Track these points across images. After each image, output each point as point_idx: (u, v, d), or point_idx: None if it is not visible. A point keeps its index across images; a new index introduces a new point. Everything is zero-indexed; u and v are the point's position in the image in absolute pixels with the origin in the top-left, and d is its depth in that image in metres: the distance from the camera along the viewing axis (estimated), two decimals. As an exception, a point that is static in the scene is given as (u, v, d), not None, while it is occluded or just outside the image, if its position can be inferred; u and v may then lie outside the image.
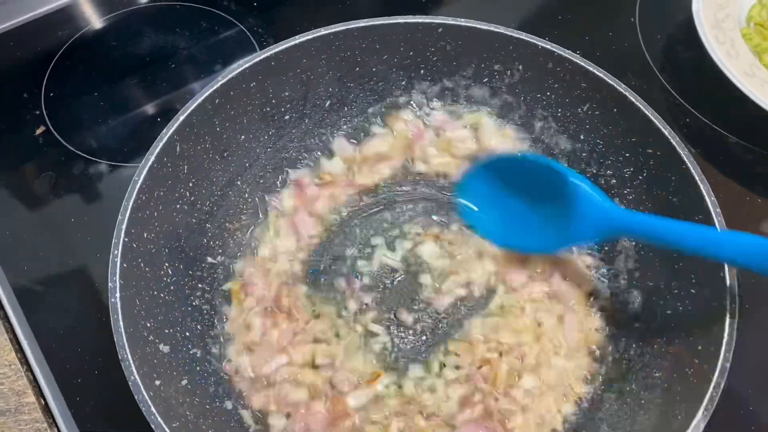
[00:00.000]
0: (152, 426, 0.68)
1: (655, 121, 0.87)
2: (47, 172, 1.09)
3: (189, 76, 1.22)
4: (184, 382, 0.80)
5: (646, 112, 0.88)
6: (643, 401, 0.80)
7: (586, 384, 0.88)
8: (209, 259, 0.94)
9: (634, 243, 0.93)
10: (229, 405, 0.85)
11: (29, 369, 0.91)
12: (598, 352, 0.90)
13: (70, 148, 1.11)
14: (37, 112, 1.15)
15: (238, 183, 0.99)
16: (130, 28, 1.28)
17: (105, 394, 0.90)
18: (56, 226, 1.04)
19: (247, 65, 0.92)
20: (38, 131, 1.13)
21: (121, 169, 1.10)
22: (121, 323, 0.73)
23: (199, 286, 0.91)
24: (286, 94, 0.99)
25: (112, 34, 1.27)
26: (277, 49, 0.93)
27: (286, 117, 1.01)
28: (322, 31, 0.95)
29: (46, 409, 0.89)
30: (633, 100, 0.89)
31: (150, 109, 1.18)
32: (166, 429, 0.68)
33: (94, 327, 0.95)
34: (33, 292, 0.98)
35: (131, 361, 0.71)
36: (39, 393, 0.90)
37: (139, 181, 0.82)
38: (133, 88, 1.20)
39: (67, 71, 1.21)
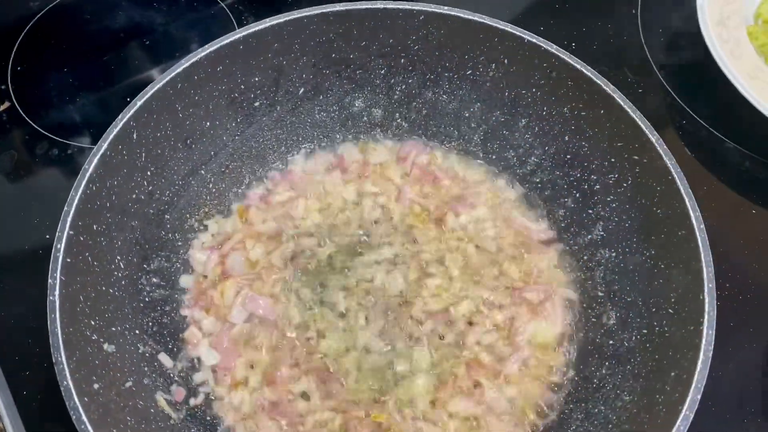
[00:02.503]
0: (81, 435, 0.64)
1: (643, 126, 0.81)
2: (9, 150, 1.05)
3: (164, 55, 1.17)
4: (129, 384, 0.76)
5: (634, 116, 0.82)
6: (610, 425, 0.76)
7: (555, 395, 0.84)
8: (167, 252, 0.90)
9: (614, 253, 0.88)
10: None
11: (-24, 358, 0.88)
12: (565, 369, 0.86)
13: (35, 126, 1.07)
14: (2, 87, 1.10)
15: (202, 172, 0.94)
16: (105, 2, 1.22)
17: (54, 389, 0.86)
18: (15, 209, 1.00)
19: (212, 48, 0.86)
20: (2, 107, 1.08)
21: (87, 150, 1.05)
22: (58, 323, 0.69)
23: (154, 280, 0.87)
24: (256, 79, 0.93)
25: (87, 7, 1.22)
26: (246, 32, 0.88)
27: (256, 104, 0.95)
28: (296, 14, 0.89)
29: (-9, 402, 0.85)
30: (620, 102, 0.83)
31: (122, 88, 1.13)
32: (96, 438, 0.64)
33: (45, 318, 0.91)
34: (-17, 278, 0.94)
35: (65, 365, 0.67)
36: (-16, 384, 0.86)
37: (89, 170, 0.77)
38: (105, 65, 1.15)
39: (36, 45, 1.16)
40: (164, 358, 0.84)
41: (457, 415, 0.83)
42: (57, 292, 0.71)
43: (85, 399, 0.67)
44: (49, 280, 0.71)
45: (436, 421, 0.83)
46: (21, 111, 1.08)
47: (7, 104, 1.08)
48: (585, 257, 0.91)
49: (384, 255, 0.94)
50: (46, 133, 1.06)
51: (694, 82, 1.12)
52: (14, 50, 1.14)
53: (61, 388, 0.66)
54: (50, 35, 1.17)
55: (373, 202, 0.98)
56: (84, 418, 0.65)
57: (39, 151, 1.05)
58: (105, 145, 0.79)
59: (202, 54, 0.86)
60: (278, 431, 0.82)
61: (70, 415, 0.65)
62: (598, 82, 0.85)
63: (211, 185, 0.96)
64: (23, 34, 1.16)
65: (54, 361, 0.67)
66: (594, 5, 1.24)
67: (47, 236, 0.97)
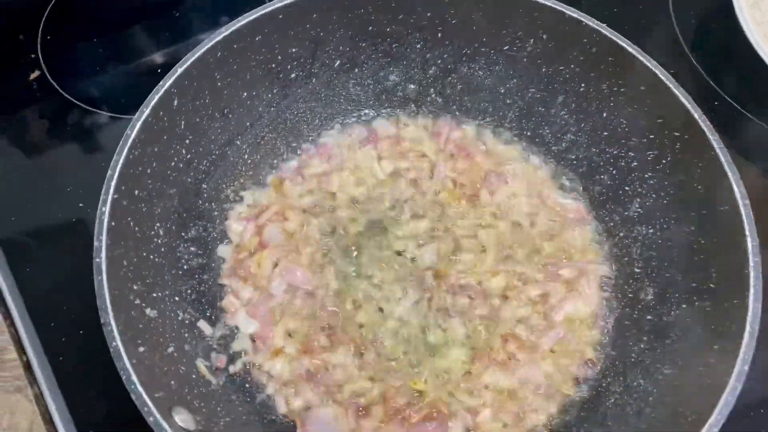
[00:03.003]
0: (132, 396, 0.64)
1: (686, 102, 0.81)
2: (40, 119, 1.04)
3: (193, 27, 1.16)
4: (171, 349, 0.76)
5: (677, 92, 0.82)
6: (650, 398, 0.76)
7: (591, 369, 0.85)
8: (204, 221, 0.90)
9: (651, 230, 0.88)
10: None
11: (12, 324, 0.88)
12: (601, 344, 0.86)
13: (66, 95, 1.06)
14: (33, 56, 1.09)
15: (238, 143, 0.94)
16: (135, -28, 1.21)
17: (90, 355, 0.86)
18: (47, 177, 1.00)
19: (252, 17, 0.86)
20: (33, 76, 1.07)
21: (118, 120, 1.05)
22: (105, 285, 0.69)
23: (192, 248, 0.87)
24: (294, 50, 0.93)
25: (116, -23, 1.21)
26: (285, 2, 0.87)
27: (292, 75, 0.95)
28: (336, -15, 0.89)
29: (28, 367, 0.85)
30: (663, 79, 0.83)
31: (151, 59, 1.13)
32: (147, 399, 0.64)
33: (82, 284, 0.89)
34: (20, 245, 0.94)
35: (114, 326, 0.67)
36: (21, 350, 0.86)
37: (132, 135, 0.77)
38: (134, 36, 1.15)
39: (66, 14, 1.15)
40: (204, 326, 0.84)
41: (492, 387, 0.84)
42: (103, 254, 0.71)
43: (134, 360, 0.67)
44: (95, 243, 0.71)
45: (471, 391, 0.84)
46: (51, 80, 1.07)
47: (37, 73, 1.07)
48: (621, 234, 0.91)
49: (418, 229, 0.94)
50: (76, 102, 1.05)
51: (727, 64, 1.12)
52: (43, 19, 1.13)
53: (110, 349, 0.66)
54: (79, 4, 1.16)
55: (407, 178, 0.98)
56: (134, 378, 0.65)
57: (69, 120, 1.04)
58: (147, 111, 0.78)
59: (243, 22, 0.85)
60: (317, 399, 0.82)
61: (120, 376, 0.65)
62: (641, 58, 0.84)
63: (246, 156, 0.95)
64: (52, 2, 1.15)
65: (102, 322, 0.67)
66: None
67: (80, 204, 0.97)
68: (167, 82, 0.80)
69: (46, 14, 1.13)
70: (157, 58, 1.13)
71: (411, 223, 0.94)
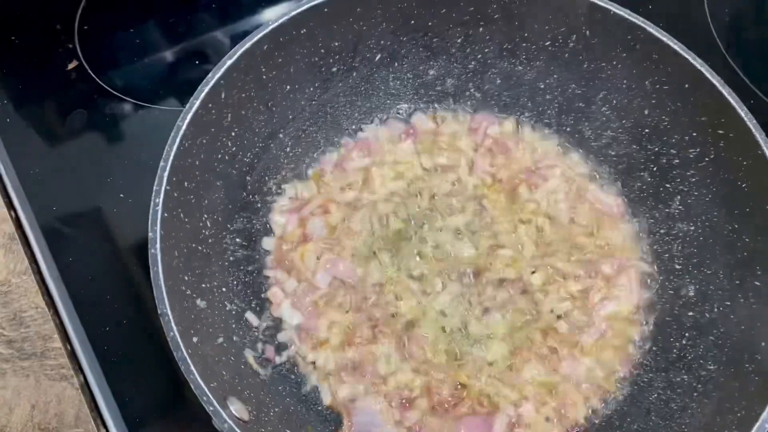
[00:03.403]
0: (192, 385, 0.65)
1: (732, 101, 0.81)
2: (78, 109, 1.04)
3: (229, 17, 1.16)
4: (220, 339, 0.77)
5: (722, 90, 0.82)
6: (695, 394, 0.77)
7: (633, 365, 0.85)
8: (248, 213, 0.90)
9: (693, 227, 0.88)
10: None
11: (56, 313, 0.89)
12: (642, 340, 0.87)
13: (103, 85, 1.06)
14: (70, 46, 1.09)
15: (281, 136, 0.94)
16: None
17: (133, 344, 0.88)
18: (87, 166, 1.00)
19: (299, 10, 0.86)
20: (70, 66, 1.08)
21: (155, 110, 1.05)
22: (161, 276, 0.69)
23: (237, 240, 0.88)
24: (336, 44, 0.93)
25: (152, -32, 1.21)
26: (332, -5, 0.87)
27: (334, 69, 0.95)
28: (381, -22, 0.89)
29: (73, 356, 0.86)
30: (708, 76, 0.83)
31: (187, 50, 1.13)
32: (206, 389, 0.65)
33: (123, 273, 0.92)
34: (62, 234, 0.95)
35: (170, 317, 0.68)
36: (65, 338, 0.87)
37: (183, 127, 0.77)
38: (170, 26, 1.15)
39: (102, 4, 1.15)
40: (251, 317, 0.84)
41: (534, 381, 0.85)
42: (158, 246, 0.71)
43: (189, 351, 0.67)
44: (150, 234, 0.71)
45: (514, 384, 0.84)
46: (89, 69, 1.07)
47: (75, 63, 1.07)
48: (662, 230, 0.92)
49: (457, 223, 0.94)
50: (114, 92, 1.06)
51: (763, 62, 1.12)
52: (80, 9, 1.13)
53: (168, 339, 0.67)
54: (115, -5, 1.16)
55: (446, 173, 0.98)
56: (192, 368, 0.66)
57: (108, 110, 1.05)
58: (197, 103, 0.79)
59: (289, 16, 0.85)
60: (361, 390, 0.83)
61: (179, 366, 0.65)
62: (686, 56, 0.84)
63: (288, 149, 0.96)
64: (88, -8, 1.15)
65: (159, 312, 0.68)
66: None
67: (120, 194, 0.97)
68: (216, 74, 0.81)
69: (82, 5, 1.13)
70: (193, 48, 1.13)
71: (450, 218, 0.94)
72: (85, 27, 1.11)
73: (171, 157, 0.76)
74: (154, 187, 0.74)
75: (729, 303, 0.80)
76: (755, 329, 0.75)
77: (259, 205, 0.93)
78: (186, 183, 0.79)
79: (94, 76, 1.07)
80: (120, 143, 1.03)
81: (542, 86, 0.99)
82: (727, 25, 1.17)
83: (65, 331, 0.88)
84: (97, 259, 0.93)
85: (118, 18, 1.13)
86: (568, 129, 1.00)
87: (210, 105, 0.81)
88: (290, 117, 0.95)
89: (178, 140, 0.77)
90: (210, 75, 0.81)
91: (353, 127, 1.02)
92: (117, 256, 0.93)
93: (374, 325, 0.87)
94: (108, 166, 0.99)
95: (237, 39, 1.11)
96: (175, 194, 0.76)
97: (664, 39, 0.86)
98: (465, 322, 0.87)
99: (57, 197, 0.97)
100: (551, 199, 0.96)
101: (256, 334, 0.84)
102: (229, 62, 0.82)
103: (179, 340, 0.67)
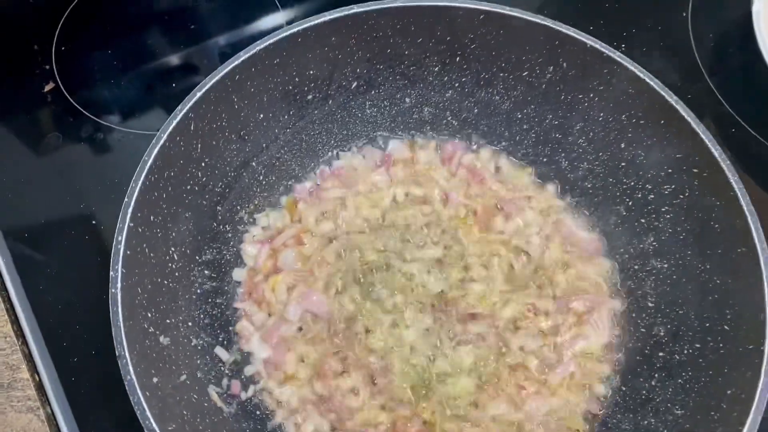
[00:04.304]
0: (146, 431, 0.64)
1: (706, 140, 0.80)
2: (53, 132, 1.04)
3: (207, 37, 1.15)
4: (183, 377, 0.77)
5: (697, 128, 0.81)
6: (660, 439, 0.76)
7: (601, 405, 0.85)
8: (218, 244, 0.90)
9: (666, 265, 0.87)
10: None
11: (25, 343, 0.88)
12: (612, 379, 0.86)
13: (79, 108, 1.06)
14: (47, 67, 1.09)
15: (253, 164, 0.94)
16: (150, -19, 1.21)
17: (101, 376, 0.87)
18: (59, 192, 0.99)
19: (272, 40, 0.85)
20: (47, 88, 1.07)
21: (131, 135, 1.04)
22: (120, 317, 0.69)
23: (206, 272, 0.87)
24: (311, 72, 0.92)
25: (131, -13, 1.20)
26: (305, 25, 0.86)
27: (309, 97, 0.95)
28: (356, 9, 0.88)
29: (40, 387, 0.86)
30: (684, 114, 0.82)
31: (165, 71, 1.12)
32: (160, 433, 0.64)
33: (93, 303, 0.90)
34: (33, 261, 0.94)
35: (128, 359, 0.67)
36: (33, 369, 0.87)
37: (150, 161, 0.77)
38: (148, 46, 1.14)
39: (80, 24, 1.14)
40: (220, 351, 0.84)
41: (499, 419, 0.84)
42: (119, 285, 0.71)
43: (147, 393, 0.67)
44: (111, 273, 0.71)
45: (478, 422, 0.84)
46: (65, 91, 1.07)
47: (51, 85, 1.07)
48: (635, 267, 0.91)
49: (430, 255, 0.93)
50: (89, 115, 1.05)
51: (746, 90, 1.11)
52: (58, 30, 1.12)
53: (125, 383, 0.66)
54: (93, 14, 1.16)
55: (420, 204, 0.97)
56: (148, 413, 0.65)
57: (83, 133, 1.04)
58: (164, 137, 0.78)
59: (261, 46, 0.84)
60: (326, 426, 0.82)
61: (135, 410, 0.65)
62: (662, 92, 0.83)
63: (261, 177, 0.95)
64: (67, 13, 1.14)
65: (117, 354, 0.67)
66: (643, 6, 1.22)
67: (93, 221, 0.97)
68: (185, 107, 0.80)
69: (59, 26, 1.13)
70: (171, 70, 1.12)
71: (423, 250, 0.94)
72: (63, 47, 1.11)
73: (135, 193, 0.75)
74: (118, 224, 0.73)
75: (699, 345, 0.79)
76: (722, 376, 0.74)
77: (230, 235, 0.92)
78: (152, 217, 0.78)
79: (70, 98, 1.06)
80: (94, 168, 1.02)
81: (519, 116, 0.98)
82: (711, 49, 1.16)
83: (33, 361, 0.87)
84: (68, 288, 0.92)
85: (96, 38, 1.13)
86: (544, 159, 0.99)
87: (178, 138, 0.80)
88: (264, 145, 0.94)
89: (143, 175, 0.76)
90: (178, 108, 0.80)
91: (329, 154, 1.01)
92: (88, 284, 0.92)
93: (344, 358, 0.86)
94: (80, 192, 0.99)
95: (214, 61, 1.11)
96: (140, 229, 0.76)
97: (641, 75, 0.85)
98: (433, 356, 0.87)
99: (27, 220, 0.96)
100: (526, 231, 0.95)
101: (223, 369, 0.84)
102: (199, 95, 0.81)
103: (135, 383, 0.67)
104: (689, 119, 0.82)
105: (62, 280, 0.93)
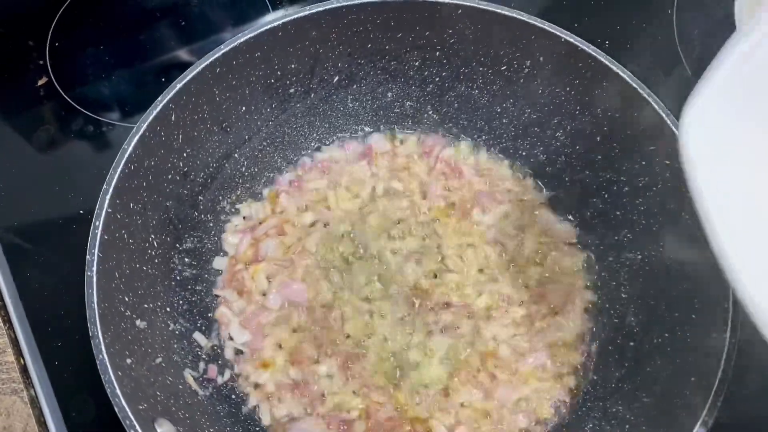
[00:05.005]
0: (116, 409, 0.66)
1: (677, 132, 0.81)
2: (45, 125, 1.06)
3: (198, 35, 1.17)
4: (159, 359, 0.79)
5: (668, 120, 0.82)
6: (627, 426, 0.77)
7: (572, 393, 0.86)
8: (199, 233, 0.92)
9: (640, 257, 0.88)
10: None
11: (11, 327, 0.91)
12: (583, 368, 0.87)
13: (71, 102, 1.08)
14: (41, 62, 1.12)
15: (236, 156, 0.96)
16: (143, -20, 1.23)
17: (84, 360, 0.88)
18: (50, 182, 1.02)
19: (252, 34, 0.87)
20: (40, 82, 1.10)
21: (121, 128, 1.07)
22: (94, 298, 0.71)
23: (186, 260, 0.89)
24: (293, 66, 0.94)
25: (124, -15, 1.23)
26: (285, 20, 0.88)
27: (291, 90, 0.96)
28: (335, 3, 0.89)
29: (24, 370, 0.88)
30: (656, 107, 0.83)
31: (156, 67, 1.14)
32: (129, 412, 0.66)
33: (80, 289, 0.93)
34: (21, 248, 0.97)
35: (101, 339, 0.69)
36: (18, 352, 0.89)
37: (129, 150, 0.79)
38: (140, 43, 1.16)
39: (74, 21, 1.17)
40: (198, 337, 0.86)
41: (469, 405, 0.85)
42: (95, 268, 0.73)
43: (119, 373, 0.69)
44: (87, 256, 0.73)
45: (449, 408, 0.85)
46: (58, 86, 1.09)
47: (44, 79, 1.10)
48: (610, 258, 0.92)
49: (407, 246, 0.95)
50: (81, 109, 1.08)
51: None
52: (52, 26, 1.15)
53: (97, 362, 0.68)
54: (88, 12, 1.18)
55: (399, 198, 0.99)
56: (118, 391, 0.67)
57: (74, 127, 1.07)
58: (144, 126, 0.80)
59: (242, 39, 0.86)
60: (300, 409, 0.84)
61: (105, 389, 0.67)
62: (635, 85, 0.84)
63: (243, 169, 0.97)
64: (62, 10, 1.17)
65: (90, 335, 0.69)
66: (629, 3, 1.23)
67: (80, 211, 0.99)
68: (166, 97, 0.82)
69: (54, 22, 1.16)
70: (162, 66, 1.15)
71: (402, 240, 0.95)
72: (57, 44, 1.14)
73: (114, 181, 0.77)
74: (96, 210, 0.75)
75: (668, 335, 0.80)
76: (688, 364, 0.75)
77: (211, 225, 0.94)
78: (132, 204, 0.81)
79: (62, 92, 1.09)
80: (84, 160, 1.05)
81: (498, 110, 0.99)
82: (696, 47, 1.16)
83: (18, 345, 0.89)
84: (54, 274, 0.94)
85: (89, 35, 1.15)
86: (523, 153, 1.01)
87: (158, 127, 0.82)
88: (246, 137, 0.96)
89: (122, 164, 0.78)
90: (159, 98, 0.82)
91: (311, 147, 1.03)
92: (73, 271, 0.94)
93: (320, 344, 0.88)
94: (71, 182, 1.01)
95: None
96: (119, 216, 0.78)
97: (614, 68, 0.86)
98: (408, 344, 0.88)
99: (18, 212, 0.99)
100: (503, 223, 0.96)
101: (200, 353, 0.86)
102: (179, 86, 0.83)
103: (107, 363, 0.68)
104: (662, 113, 0.83)
105: (49, 268, 0.96)
